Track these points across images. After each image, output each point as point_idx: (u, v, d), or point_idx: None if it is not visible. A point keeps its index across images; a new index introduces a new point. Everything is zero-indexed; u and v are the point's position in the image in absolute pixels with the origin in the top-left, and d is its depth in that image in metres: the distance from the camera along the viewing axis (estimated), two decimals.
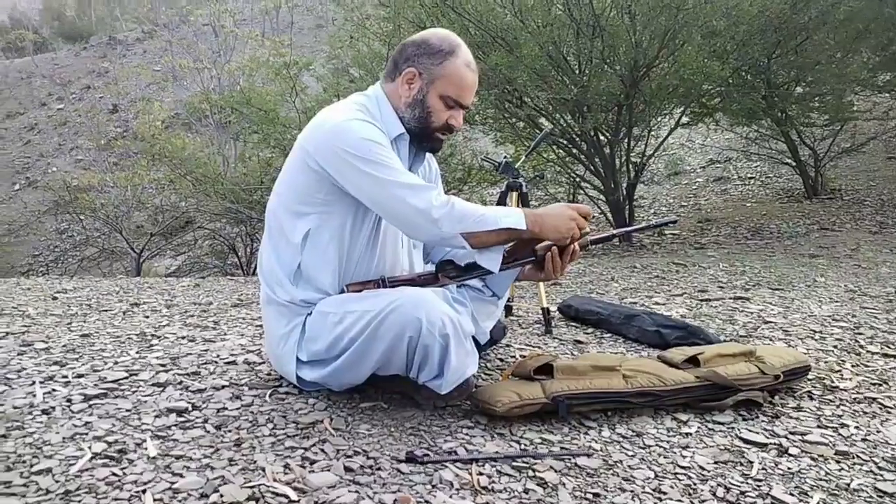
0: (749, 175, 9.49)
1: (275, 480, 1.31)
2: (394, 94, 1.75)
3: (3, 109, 21.37)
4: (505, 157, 2.84)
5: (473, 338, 1.92)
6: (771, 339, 2.58)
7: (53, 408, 1.59)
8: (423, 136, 1.76)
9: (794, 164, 8.09)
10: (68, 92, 22.60)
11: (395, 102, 1.74)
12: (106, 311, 2.98)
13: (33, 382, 1.76)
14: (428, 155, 1.94)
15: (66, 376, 1.82)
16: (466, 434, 1.59)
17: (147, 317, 2.84)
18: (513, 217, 1.64)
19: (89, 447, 1.39)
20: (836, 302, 3.32)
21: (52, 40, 28.54)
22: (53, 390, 1.71)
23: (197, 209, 9.79)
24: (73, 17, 31.09)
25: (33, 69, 23.94)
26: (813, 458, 1.61)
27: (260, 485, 1.28)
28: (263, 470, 1.35)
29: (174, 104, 17.62)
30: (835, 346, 2.51)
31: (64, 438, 1.43)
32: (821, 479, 1.51)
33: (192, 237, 11.25)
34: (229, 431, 1.52)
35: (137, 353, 2.11)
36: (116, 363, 1.97)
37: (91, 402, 1.64)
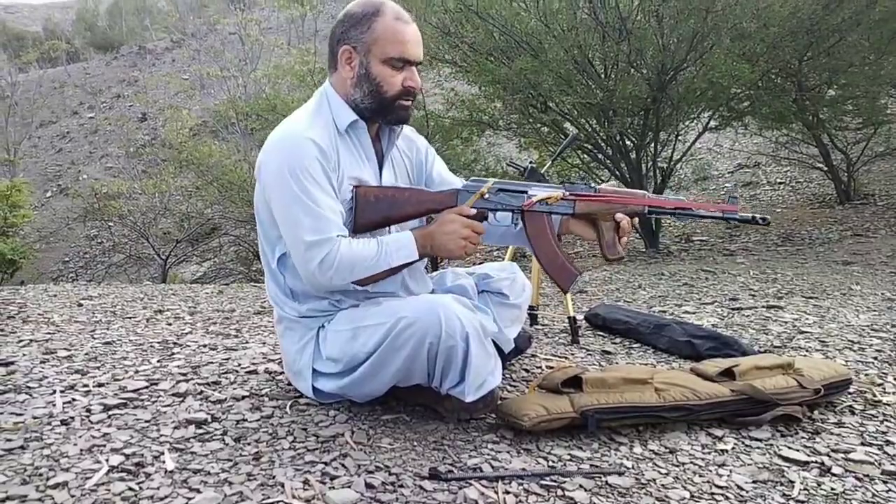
0: (779, 180, 9.29)
1: (293, 497, 1.26)
2: (339, 83, 1.64)
3: (36, 118, 21.86)
4: (531, 162, 2.79)
5: (498, 348, 1.87)
6: (807, 351, 2.48)
7: (73, 418, 1.57)
8: (383, 110, 1.64)
9: (825, 168, 7.89)
10: (99, 101, 23.06)
11: (342, 91, 1.64)
12: (130, 318, 2.98)
13: (54, 391, 1.75)
14: (412, 134, 1.84)
15: (86, 385, 1.81)
16: (492, 449, 1.54)
17: (170, 324, 2.83)
18: (403, 251, 1.58)
19: (106, 460, 1.36)
20: (874, 311, 3.20)
21: (83, 50, 29.17)
22: (73, 400, 1.69)
23: (223, 216, 9.87)
24: (105, 27, 31.76)
25: (66, 79, 24.48)
26: (858, 478, 1.52)
27: (278, 501, 1.25)
28: (282, 486, 1.31)
29: (201, 112, 17.85)
30: (875, 358, 2.40)
31: (81, 450, 1.41)
32: (867, 501, 1.43)
33: (218, 243, 11.36)
34: (248, 444, 1.48)
35: (159, 361, 2.09)
36: (137, 372, 1.95)
37: (110, 413, 1.61)
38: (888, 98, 7.73)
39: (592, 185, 1.73)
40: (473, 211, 1.65)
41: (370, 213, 1.61)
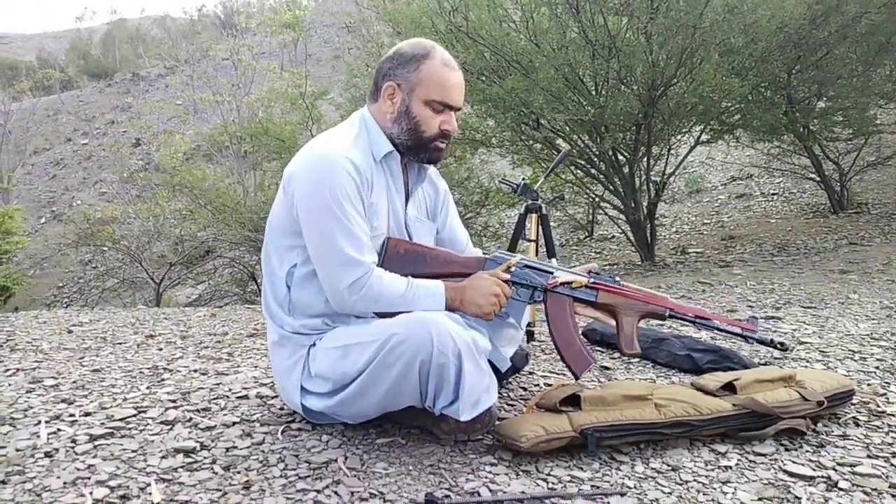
0: (772, 191, 9.32)
1: None
2: (379, 114, 1.70)
3: (30, 146, 21.89)
4: (523, 178, 2.78)
5: (494, 367, 1.83)
6: (808, 361, 2.45)
7: (57, 450, 1.53)
8: (418, 148, 1.69)
9: (818, 178, 7.92)
10: (93, 127, 23.14)
11: (381, 121, 1.69)
12: (120, 343, 2.93)
13: (39, 422, 1.70)
14: (435, 177, 1.90)
15: (72, 415, 1.76)
16: (489, 472, 1.50)
17: (161, 349, 2.79)
18: (430, 300, 1.60)
19: (90, 493, 1.32)
20: (873, 319, 3.18)
21: (77, 78, 29.31)
22: (59, 430, 1.64)
23: (216, 238, 9.84)
24: (99, 55, 31.95)
25: (60, 106, 24.57)
26: (866, 493, 1.48)
27: None
28: None
29: (195, 136, 17.90)
30: (877, 367, 2.37)
31: (65, 483, 1.36)
32: None
33: (212, 266, 11.31)
34: (238, 473, 1.44)
35: (148, 388, 2.04)
36: (126, 399, 1.90)
37: (96, 443, 1.57)
38: (877, 108, 7.78)
39: (616, 278, 1.79)
40: (506, 276, 1.69)
41: (397, 264, 1.64)
